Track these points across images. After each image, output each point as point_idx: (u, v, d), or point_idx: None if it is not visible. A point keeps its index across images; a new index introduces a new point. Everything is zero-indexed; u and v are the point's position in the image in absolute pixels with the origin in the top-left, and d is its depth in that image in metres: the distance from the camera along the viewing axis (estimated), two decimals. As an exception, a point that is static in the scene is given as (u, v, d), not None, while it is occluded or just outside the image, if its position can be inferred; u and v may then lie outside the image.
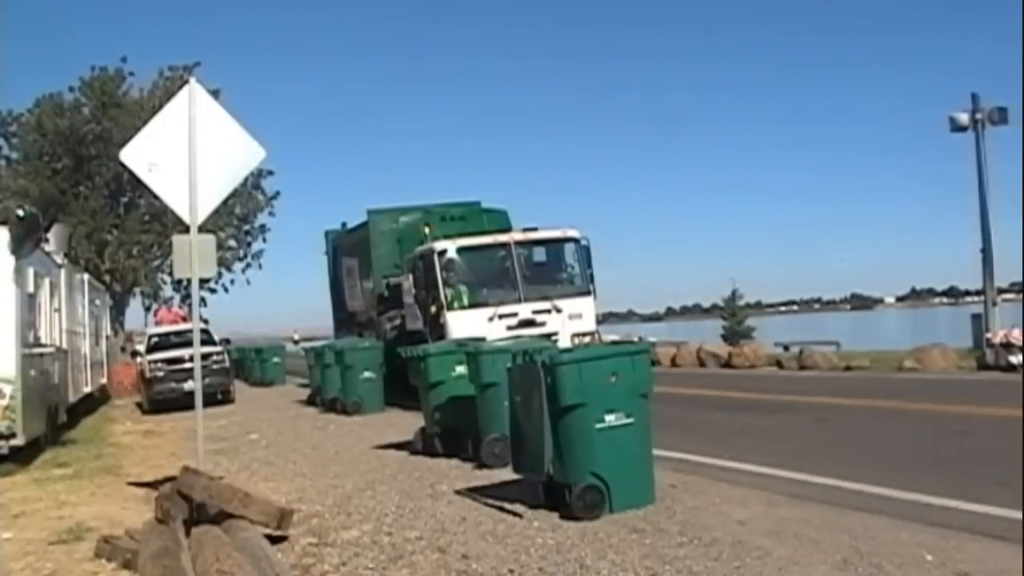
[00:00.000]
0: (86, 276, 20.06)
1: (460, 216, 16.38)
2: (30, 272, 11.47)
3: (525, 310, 13.83)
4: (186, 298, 31.51)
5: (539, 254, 15.00)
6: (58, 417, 13.65)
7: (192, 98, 7.58)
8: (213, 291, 36.98)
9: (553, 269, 14.99)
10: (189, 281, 8.21)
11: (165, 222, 30.93)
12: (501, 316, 13.64)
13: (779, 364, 20.90)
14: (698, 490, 6.87)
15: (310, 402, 18.03)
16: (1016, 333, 16.29)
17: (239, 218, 37.04)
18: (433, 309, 14.08)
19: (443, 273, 13.92)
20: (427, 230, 15.43)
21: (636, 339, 19.24)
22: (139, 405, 19.94)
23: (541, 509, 6.34)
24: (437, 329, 13.79)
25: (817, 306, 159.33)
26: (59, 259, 14.80)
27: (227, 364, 20.26)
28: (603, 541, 5.49)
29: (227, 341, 24.69)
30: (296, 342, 32.17)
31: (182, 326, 21.91)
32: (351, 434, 12.20)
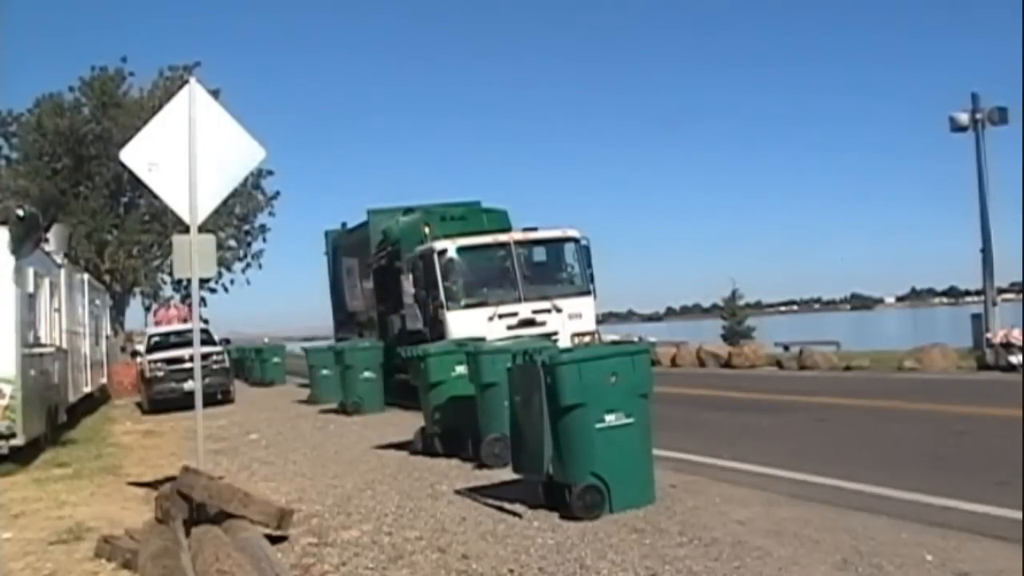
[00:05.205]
0: (86, 276, 20.05)
1: (460, 216, 16.36)
2: (30, 272, 11.47)
3: (525, 310, 13.82)
4: (186, 298, 31.50)
5: (539, 254, 14.99)
6: (58, 417, 13.64)
7: (192, 98, 7.59)
8: (213, 291, 37.02)
9: (553, 269, 14.98)
10: (189, 281, 8.21)
11: (165, 222, 30.93)
12: (501, 316, 13.63)
13: (779, 364, 20.89)
14: (698, 490, 6.87)
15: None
16: (1016, 333, 16.28)
17: (239, 218, 37.03)
18: (433, 309, 14.08)
19: (443, 273, 13.91)
20: (427, 230, 15.41)
21: (636, 339, 19.30)
22: (139, 405, 19.93)
23: (541, 509, 6.34)
24: (437, 329, 13.78)
25: (817, 306, 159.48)
26: (59, 259, 14.80)
27: (227, 364, 20.25)
28: (603, 541, 5.49)
29: (227, 341, 24.67)
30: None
31: (182, 326, 21.91)
32: (351, 434, 12.20)
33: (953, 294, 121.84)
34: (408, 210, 17.52)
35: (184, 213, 7.56)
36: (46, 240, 13.41)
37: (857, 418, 11.01)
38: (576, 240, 14.77)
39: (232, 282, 37.94)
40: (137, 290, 36.81)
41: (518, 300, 13.93)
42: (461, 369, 9.26)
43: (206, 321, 24.50)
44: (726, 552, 5.12)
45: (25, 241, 10.89)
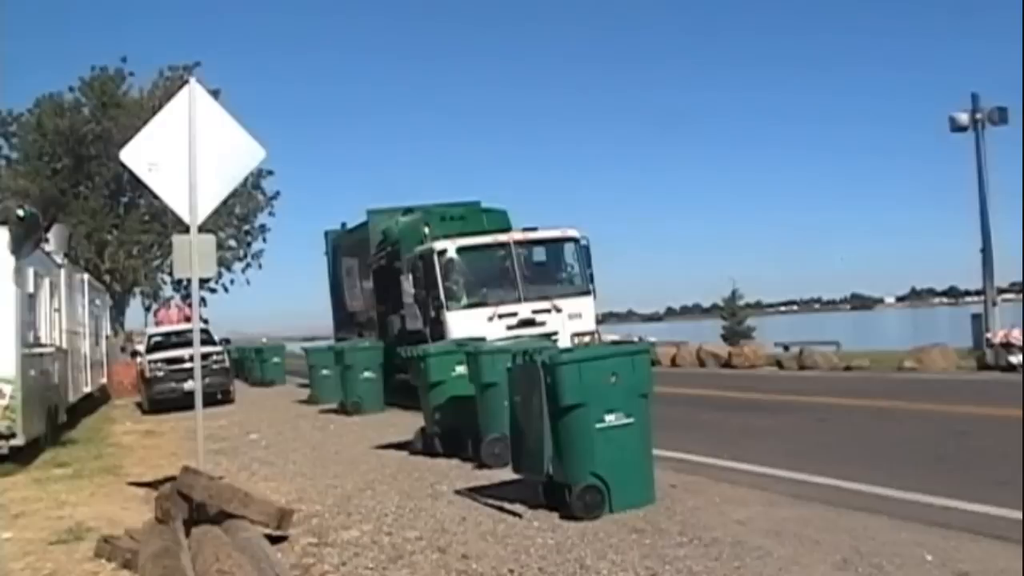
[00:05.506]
0: (86, 276, 20.05)
1: (460, 216, 16.37)
2: (30, 272, 11.47)
3: (525, 310, 13.82)
4: (186, 298, 31.51)
5: (539, 254, 14.99)
6: (58, 417, 13.64)
7: (192, 98, 7.59)
8: (213, 291, 37.05)
9: (553, 269, 14.98)
10: (189, 281, 8.21)
11: (165, 222, 30.95)
12: (501, 316, 13.63)
13: (779, 364, 20.90)
14: (698, 490, 6.87)
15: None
16: (1016, 333, 16.29)
17: (239, 218, 37.08)
18: (433, 309, 14.08)
19: (443, 273, 13.92)
20: (427, 230, 15.42)
21: (636, 339, 19.29)
22: (139, 405, 19.94)
23: (541, 509, 6.34)
24: (437, 329, 13.79)
25: (817, 306, 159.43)
26: (59, 259, 14.80)
27: (227, 364, 20.26)
28: (603, 541, 5.49)
29: (227, 341, 24.67)
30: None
31: (182, 326, 21.92)
32: (351, 434, 12.20)
33: (953, 294, 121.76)
34: (408, 210, 17.53)
35: (184, 213, 7.56)
36: (46, 240, 13.41)
37: (857, 418, 11.01)
38: (576, 240, 14.77)
39: (232, 282, 38.06)
40: (137, 290, 36.83)
41: (518, 300, 13.93)
42: (461, 369, 9.26)
43: (206, 321, 24.51)
44: (726, 552, 5.12)
45: (25, 241, 10.89)
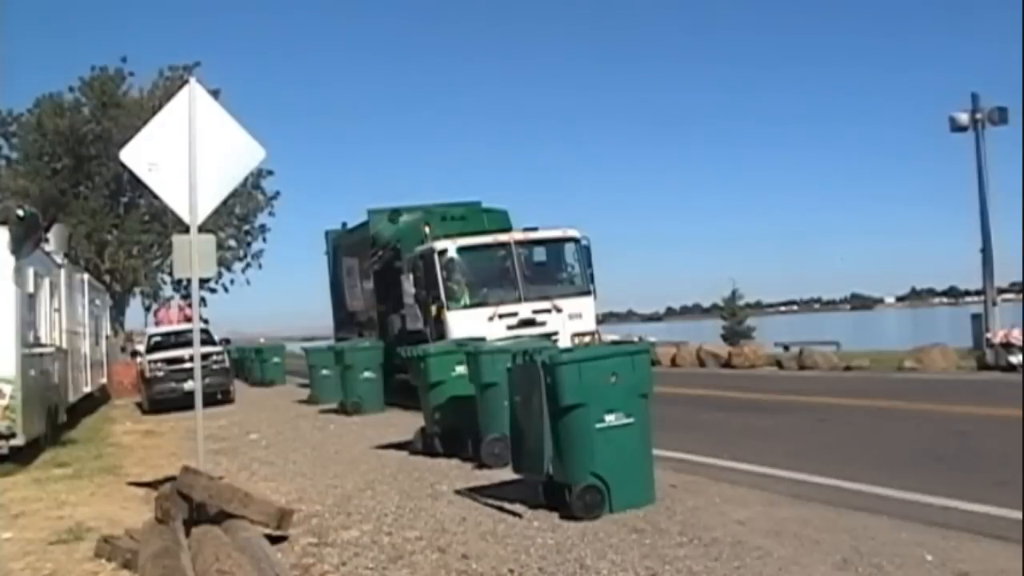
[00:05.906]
0: (86, 276, 20.05)
1: (460, 216, 16.38)
2: (30, 272, 11.47)
3: (525, 310, 13.83)
4: (186, 298, 31.51)
5: (539, 254, 14.99)
6: (58, 417, 13.64)
7: (192, 98, 7.58)
8: (213, 291, 37.03)
9: (553, 269, 14.98)
10: (189, 281, 8.21)
11: (165, 222, 30.94)
12: (501, 316, 13.64)
13: (779, 364, 20.89)
14: (698, 490, 6.87)
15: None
16: (1016, 333, 16.29)
17: (239, 218, 37.06)
18: (433, 309, 14.08)
19: (443, 273, 13.92)
20: (427, 230, 15.42)
21: (636, 339, 19.29)
22: (139, 405, 19.94)
23: (541, 509, 6.34)
24: (437, 329, 13.79)
25: (817, 306, 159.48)
26: (59, 259, 14.80)
27: (227, 364, 20.25)
28: (603, 541, 5.49)
29: (227, 341, 24.67)
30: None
31: (182, 326, 21.93)
32: (351, 434, 12.20)
33: (953, 294, 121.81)
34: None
35: (184, 213, 7.55)
36: (46, 240, 13.41)
37: (857, 418, 11.00)
38: (576, 240, 14.78)
39: (232, 282, 38.03)
40: (137, 290, 36.82)
41: (518, 300, 13.93)
42: (461, 369, 9.26)
43: (206, 321, 24.52)
44: (726, 552, 5.12)
45: (25, 241, 10.89)
